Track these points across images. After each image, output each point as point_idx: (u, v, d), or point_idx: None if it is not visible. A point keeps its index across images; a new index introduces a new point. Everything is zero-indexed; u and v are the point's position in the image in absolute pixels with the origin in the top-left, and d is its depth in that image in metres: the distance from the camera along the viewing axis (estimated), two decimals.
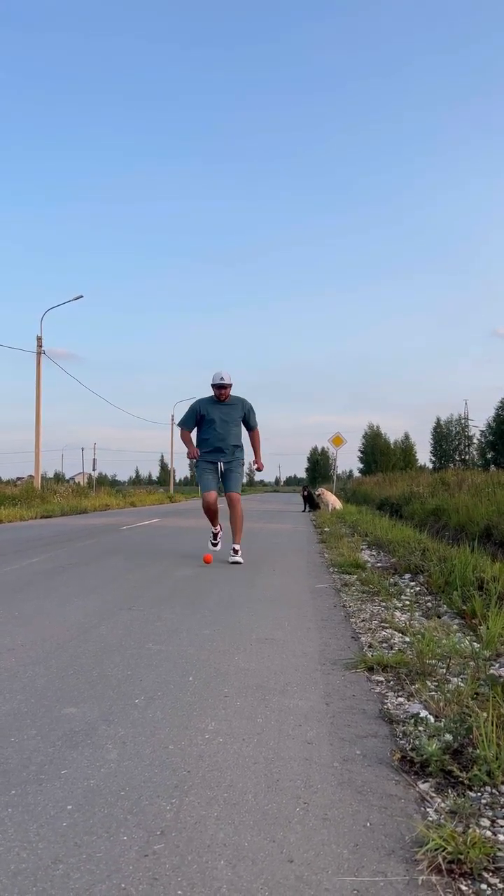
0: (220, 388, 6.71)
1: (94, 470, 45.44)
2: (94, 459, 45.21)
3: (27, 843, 1.54)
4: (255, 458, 6.98)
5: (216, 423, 6.70)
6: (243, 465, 7.00)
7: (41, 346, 24.27)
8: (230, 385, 6.73)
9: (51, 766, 1.96)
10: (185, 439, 6.77)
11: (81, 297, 24.67)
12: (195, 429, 6.86)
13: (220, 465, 6.74)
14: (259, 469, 6.88)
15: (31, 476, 33.55)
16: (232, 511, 6.79)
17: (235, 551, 6.63)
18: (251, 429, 6.93)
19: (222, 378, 6.68)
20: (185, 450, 6.80)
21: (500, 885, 1.42)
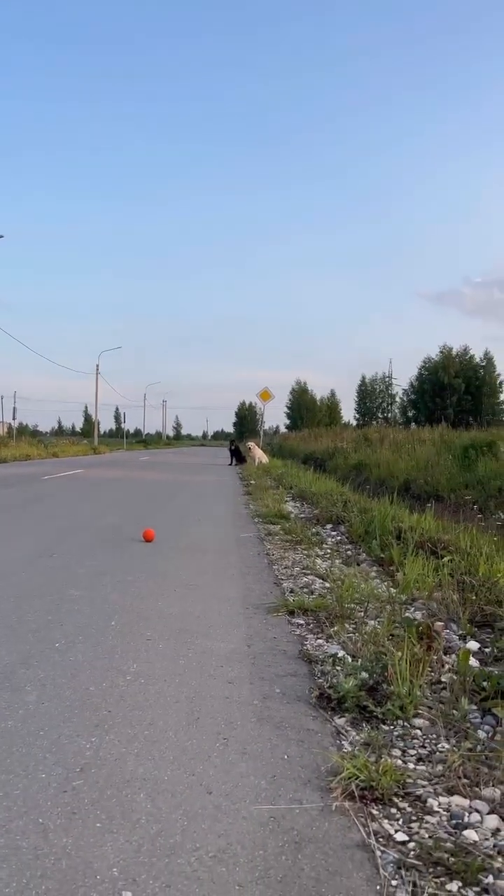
0: None
1: (13, 419, 44.10)
2: (14, 408, 43.84)
3: None
4: None
5: None
6: None
7: None
8: None
9: None
10: None
11: (1, 236, 23.51)
12: None
13: None
14: None
15: None
16: None
17: None
18: None
19: None
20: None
21: (409, 809, 1.49)
